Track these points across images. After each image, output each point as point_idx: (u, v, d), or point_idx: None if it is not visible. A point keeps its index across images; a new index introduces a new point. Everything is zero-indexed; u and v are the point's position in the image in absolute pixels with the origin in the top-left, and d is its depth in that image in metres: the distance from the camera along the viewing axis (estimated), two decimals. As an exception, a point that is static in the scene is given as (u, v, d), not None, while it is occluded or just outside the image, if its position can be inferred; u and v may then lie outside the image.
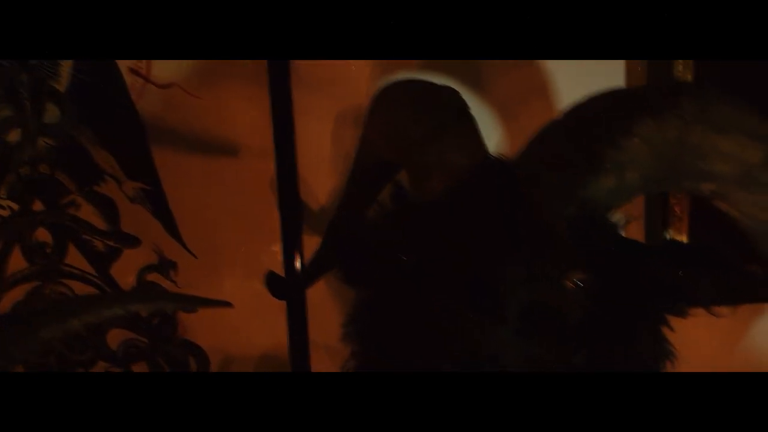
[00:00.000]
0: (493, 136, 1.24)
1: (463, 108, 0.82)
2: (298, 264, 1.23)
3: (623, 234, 0.72)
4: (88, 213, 1.27)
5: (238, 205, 1.28)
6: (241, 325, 1.31)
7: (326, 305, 1.26)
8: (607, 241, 0.69)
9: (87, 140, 1.24)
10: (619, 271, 0.70)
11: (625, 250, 0.71)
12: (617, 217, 0.71)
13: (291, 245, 1.24)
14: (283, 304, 1.28)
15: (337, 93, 1.24)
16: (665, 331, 0.78)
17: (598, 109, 0.71)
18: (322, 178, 1.26)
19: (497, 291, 0.66)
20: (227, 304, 0.87)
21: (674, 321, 1.38)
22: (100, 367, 1.30)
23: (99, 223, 1.27)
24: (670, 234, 1.29)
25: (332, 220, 1.00)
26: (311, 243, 1.25)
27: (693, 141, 0.69)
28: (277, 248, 1.26)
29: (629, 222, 0.70)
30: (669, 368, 0.81)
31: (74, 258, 1.28)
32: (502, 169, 0.73)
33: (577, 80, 1.20)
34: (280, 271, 1.25)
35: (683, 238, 1.29)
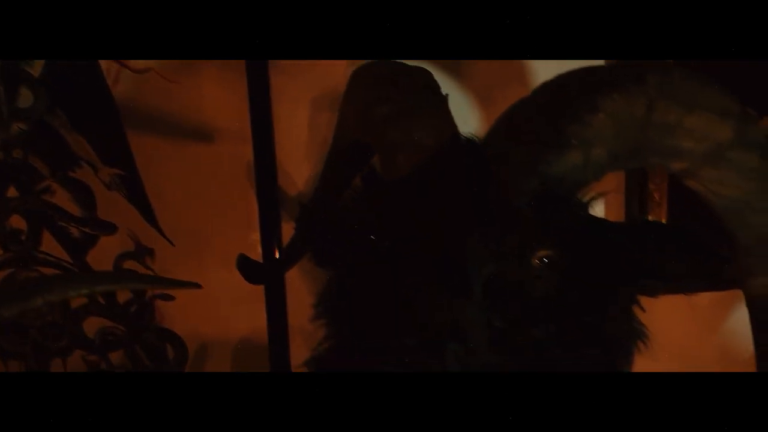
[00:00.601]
0: (471, 121, 1.24)
1: (435, 88, 0.82)
2: (276, 249, 1.22)
3: (592, 212, 0.72)
4: (63, 199, 1.25)
5: (216, 191, 1.27)
6: (219, 311, 1.30)
7: (305, 290, 1.25)
8: (574, 218, 0.69)
9: (62, 125, 1.23)
10: (587, 248, 0.70)
11: (593, 228, 0.71)
12: (586, 195, 0.71)
13: (269, 231, 1.23)
14: (261, 289, 1.27)
15: (315, 78, 1.23)
16: (636, 310, 0.79)
17: (566, 86, 0.71)
18: (299, 164, 1.26)
19: (464, 267, 0.66)
20: (196, 286, 0.86)
21: (652, 305, 1.39)
22: (77, 355, 1.29)
23: (74, 209, 1.26)
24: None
25: (304, 203, 1.00)
26: (289, 229, 1.24)
27: (659, 117, 0.69)
28: (256, 234, 1.25)
29: (598, 199, 0.70)
30: (641, 349, 0.81)
31: (49, 245, 1.26)
32: (471, 148, 0.73)
33: (555, 66, 1.21)
34: (258, 257, 1.24)
35: (662, 225, 1.30)
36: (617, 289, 0.72)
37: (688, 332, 1.37)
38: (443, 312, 0.65)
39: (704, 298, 1.37)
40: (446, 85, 0.86)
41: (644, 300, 1.35)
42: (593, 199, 0.70)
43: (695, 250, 0.72)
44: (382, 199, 0.76)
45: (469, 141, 0.74)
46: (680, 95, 0.69)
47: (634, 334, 0.78)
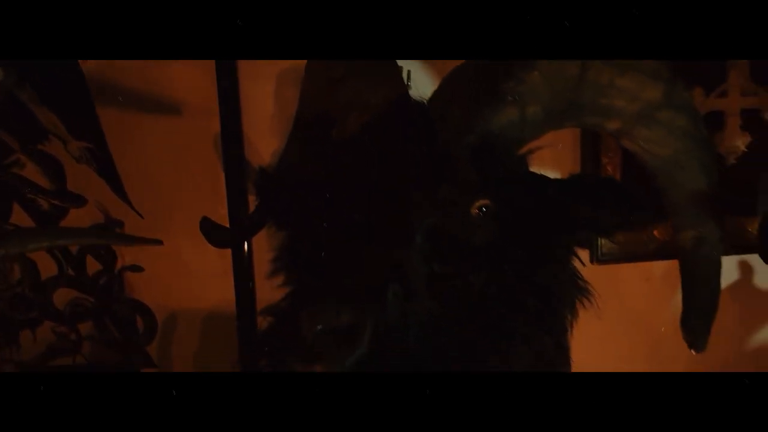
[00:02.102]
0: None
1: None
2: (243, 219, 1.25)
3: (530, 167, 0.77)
4: (33, 172, 1.27)
5: (184, 164, 1.30)
6: (188, 283, 1.33)
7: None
8: (511, 172, 0.73)
9: (30, 99, 1.24)
10: (525, 201, 0.74)
11: (531, 182, 0.76)
12: (524, 150, 0.75)
13: (236, 203, 1.26)
14: (229, 261, 1.31)
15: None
16: (576, 264, 0.83)
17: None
18: (266, 137, 1.29)
19: (408, 217, 0.70)
20: (158, 242, 0.89)
21: (610, 272, 1.43)
22: (46, 326, 1.31)
23: (44, 182, 1.28)
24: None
25: (262, 167, 1.03)
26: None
27: (592, 77, 0.73)
28: (223, 206, 1.28)
29: (534, 153, 0.74)
30: (586, 306, 0.85)
31: (19, 217, 1.28)
32: (417, 107, 0.77)
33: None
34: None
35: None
36: (553, 240, 0.77)
37: (643, 299, 1.43)
38: (388, 258, 0.69)
39: (659, 268, 1.43)
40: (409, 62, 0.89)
41: (604, 270, 1.41)
42: (530, 153, 0.74)
43: (626, 204, 0.77)
44: (334, 157, 0.79)
45: (416, 101, 0.78)
46: (611, 56, 0.74)
47: (575, 288, 0.83)
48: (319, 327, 0.62)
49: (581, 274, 0.84)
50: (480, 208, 0.71)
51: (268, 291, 1.06)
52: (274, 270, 0.84)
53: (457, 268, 0.70)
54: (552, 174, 0.82)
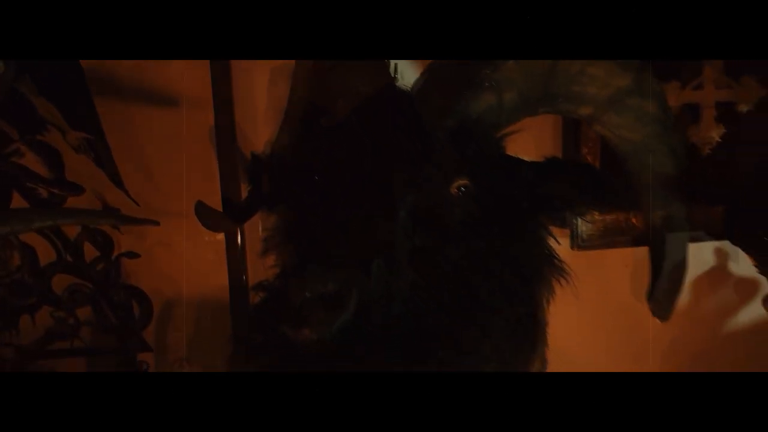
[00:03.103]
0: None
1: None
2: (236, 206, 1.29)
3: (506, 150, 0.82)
4: (32, 162, 1.31)
5: (180, 154, 1.34)
6: (183, 268, 1.37)
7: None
8: (489, 154, 0.78)
9: (30, 91, 1.28)
10: (502, 181, 0.79)
11: (508, 164, 0.80)
12: (501, 134, 0.80)
13: (229, 190, 1.30)
14: (224, 248, 1.35)
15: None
16: (552, 243, 0.88)
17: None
18: (258, 129, 1.33)
19: (392, 196, 0.75)
20: (155, 223, 0.93)
21: (589, 257, 1.47)
22: (45, 311, 1.35)
23: (43, 171, 1.32)
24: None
25: (254, 153, 1.07)
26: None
27: (564, 66, 0.78)
28: (217, 194, 1.32)
29: (510, 136, 0.79)
30: (563, 285, 0.90)
31: (18, 205, 1.31)
32: (402, 94, 0.82)
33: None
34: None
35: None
36: (528, 218, 0.81)
37: (622, 283, 1.48)
38: (373, 233, 0.73)
39: (638, 254, 1.48)
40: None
41: (584, 256, 1.45)
42: (507, 135, 0.79)
43: (599, 184, 0.81)
44: (323, 141, 0.84)
45: (401, 89, 0.83)
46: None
47: (552, 267, 0.87)
48: (307, 294, 0.67)
49: (557, 254, 0.89)
50: (459, 188, 0.76)
51: (261, 274, 1.12)
52: (265, 249, 0.89)
53: (437, 243, 0.75)
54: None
